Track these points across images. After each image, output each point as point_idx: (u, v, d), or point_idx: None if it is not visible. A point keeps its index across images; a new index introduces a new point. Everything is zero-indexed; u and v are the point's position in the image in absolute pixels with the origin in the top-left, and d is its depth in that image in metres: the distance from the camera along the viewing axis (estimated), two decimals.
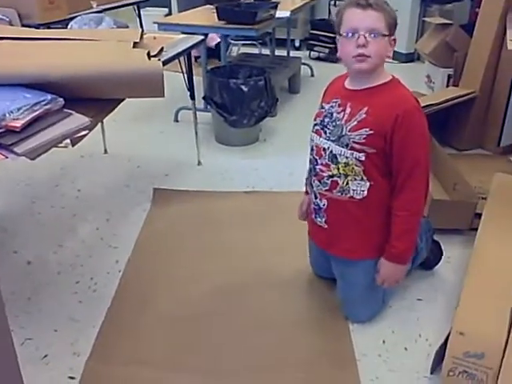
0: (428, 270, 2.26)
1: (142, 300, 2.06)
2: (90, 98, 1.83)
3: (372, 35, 1.52)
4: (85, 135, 1.67)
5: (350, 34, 1.55)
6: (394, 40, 1.61)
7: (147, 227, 2.57)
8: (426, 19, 4.70)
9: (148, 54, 2.18)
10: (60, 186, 2.98)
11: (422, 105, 2.91)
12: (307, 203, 1.97)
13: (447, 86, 3.83)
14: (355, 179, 1.67)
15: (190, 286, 2.15)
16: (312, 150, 1.80)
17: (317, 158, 1.76)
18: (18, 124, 1.44)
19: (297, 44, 6.07)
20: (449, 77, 3.82)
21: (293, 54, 5.34)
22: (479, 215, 2.42)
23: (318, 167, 1.75)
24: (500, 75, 3.31)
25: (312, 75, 5.25)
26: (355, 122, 1.63)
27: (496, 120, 3.37)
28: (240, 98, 3.31)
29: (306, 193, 2.00)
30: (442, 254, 2.28)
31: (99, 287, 2.14)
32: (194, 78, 3.08)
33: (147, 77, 1.83)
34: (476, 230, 2.32)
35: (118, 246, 2.42)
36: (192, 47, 2.80)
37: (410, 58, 5.36)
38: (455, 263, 2.34)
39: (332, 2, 5.97)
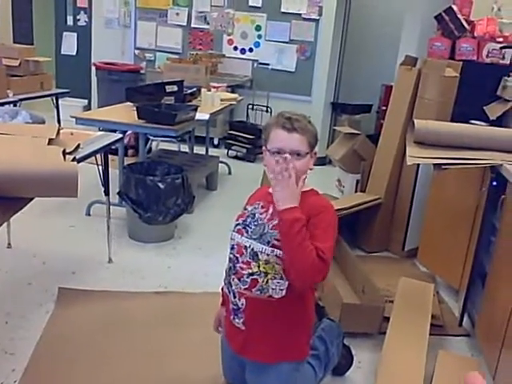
0: (339, 376, 2.25)
1: None
2: None
3: (295, 155, 1.64)
4: None
5: (277, 153, 1.66)
6: (315, 153, 1.74)
7: (49, 331, 2.40)
8: (336, 128, 5.05)
9: (63, 151, 2.16)
10: None
11: None
12: (222, 316, 1.96)
13: (356, 190, 4.06)
14: (275, 277, 1.70)
15: None
16: (232, 248, 1.81)
17: (237, 255, 1.77)
18: None
19: (215, 142, 6.26)
20: (357, 182, 4.06)
21: (211, 151, 5.49)
22: (388, 319, 2.50)
23: (238, 265, 1.77)
24: (403, 183, 3.58)
25: (229, 173, 5.39)
26: (277, 220, 1.68)
27: (400, 225, 3.58)
28: (156, 195, 3.30)
29: (222, 304, 1.98)
30: (352, 359, 2.30)
31: None
32: (110, 169, 3.04)
33: (61, 178, 1.80)
34: (385, 333, 2.39)
35: (16, 353, 2.23)
36: (109, 145, 2.81)
37: (322, 161, 5.67)
38: (366, 368, 2.36)
39: (250, 106, 6.29)
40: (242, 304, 1.77)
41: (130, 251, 3.35)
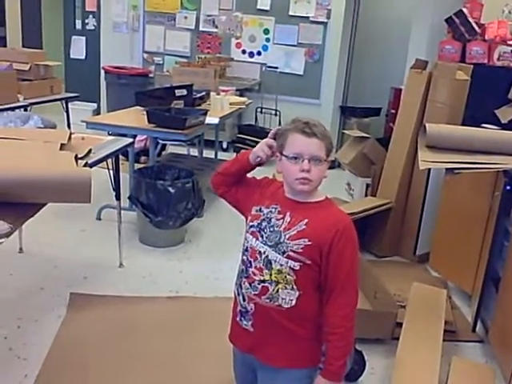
0: (352, 382, 2.24)
1: None
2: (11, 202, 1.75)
3: (315, 161, 1.62)
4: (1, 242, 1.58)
5: (294, 158, 1.63)
6: (330, 161, 1.72)
7: (61, 336, 2.40)
8: (345, 131, 5.04)
9: (76, 156, 2.16)
10: None
11: None
12: None
13: (365, 194, 4.03)
14: (285, 288, 1.68)
15: None
16: (246, 250, 1.79)
17: (251, 259, 1.75)
18: None
19: (224, 146, 6.26)
20: (367, 185, 4.04)
21: (220, 155, 5.48)
22: (400, 324, 2.48)
23: (250, 270, 1.74)
24: (414, 187, 3.55)
25: None
26: (295, 232, 1.66)
27: (411, 230, 3.56)
28: (167, 200, 3.30)
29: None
30: (365, 365, 2.28)
31: None
32: (121, 173, 3.04)
33: (75, 184, 1.79)
34: (397, 339, 2.37)
35: (28, 358, 2.23)
36: (120, 149, 2.81)
37: (331, 165, 5.64)
38: (379, 374, 2.34)
39: (259, 110, 6.29)
40: (251, 308, 1.76)
41: (141, 256, 3.35)
